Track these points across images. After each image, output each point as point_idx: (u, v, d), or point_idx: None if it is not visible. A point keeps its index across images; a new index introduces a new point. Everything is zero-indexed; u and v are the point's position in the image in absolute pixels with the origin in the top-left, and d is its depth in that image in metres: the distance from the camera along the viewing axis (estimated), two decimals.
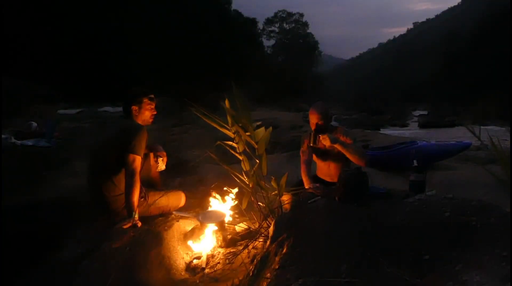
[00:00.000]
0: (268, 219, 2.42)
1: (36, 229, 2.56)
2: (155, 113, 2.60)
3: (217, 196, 2.81)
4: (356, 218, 1.76)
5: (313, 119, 2.69)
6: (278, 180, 2.33)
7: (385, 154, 5.83)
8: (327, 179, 2.86)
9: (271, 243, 1.81)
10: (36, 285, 2.05)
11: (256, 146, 2.35)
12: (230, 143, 2.49)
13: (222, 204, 2.79)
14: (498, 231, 1.40)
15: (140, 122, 2.53)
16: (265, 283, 1.46)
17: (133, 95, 2.53)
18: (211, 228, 2.49)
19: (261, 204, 2.52)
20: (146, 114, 2.55)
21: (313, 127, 2.68)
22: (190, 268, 2.34)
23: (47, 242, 2.37)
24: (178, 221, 2.64)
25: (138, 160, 2.33)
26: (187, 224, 2.67)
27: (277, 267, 1.49)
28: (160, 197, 2.58)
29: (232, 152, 2.52)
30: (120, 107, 2.61)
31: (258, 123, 2.41)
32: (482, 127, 1.65)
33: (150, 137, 2.53)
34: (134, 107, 2.50)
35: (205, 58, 30.39)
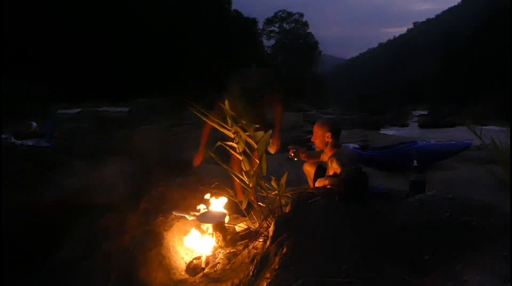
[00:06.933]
0: (268, 219, 2.42)
1: (36, 229, 2.56)
2: None
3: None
4: (356, 218, 1.76)
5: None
6: (278, 180, 2.33)
7: (385, 154, 5.83)
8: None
9: (271, 243, 1.81)
10: (37, 284, 2.05)
11: (256, 146, 2.35)
12: (230, 143, 2.49)
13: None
14: (498, 231, 1.39)
15: None
16: (265, 283, 1.46)
17: None
18: (210, 229, 2.49)
19: (261, 204, 2.51)
20: None
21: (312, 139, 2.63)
22: (190, 268, 2.34)
23: (47, 242, 2.37)
24: (178, 221, 2.64)
25: None
26: (187, 224, 2.67)
27: (277, 267, 1.49)
28: None
29: (232, 152, 2.52)
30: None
31: (257, 126, 2.40)
32: (481, 127, 1.64)
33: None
34: None
35: (205, 58, 30.36)
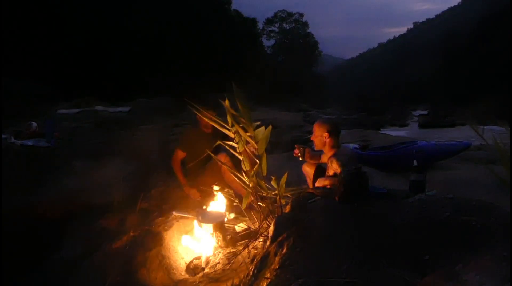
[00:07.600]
0: (268, 219, 2.41)
1: (36, 229, 2.56)
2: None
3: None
4: (356, 218, 1.76)
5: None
6: (278, 180, 2.32)
7: (385, 154, 5.83)
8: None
9: (271, 243, 1.81)
10: (37, 284, 2.05)
11: (256, 146, 2.35)
12: (230, 143, 2.49)
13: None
14: (498, 231, 1.39)
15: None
16: (265, 283, 1.45)
17: None
18: (210, 229, 2.49)
19: (261, 204, 2.51)
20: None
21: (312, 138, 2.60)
22: (190, 268, 2.34)
23: (47, 242, 2.37)
24: (178, 221, 2.64)
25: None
26: (187, 224, 2.67)
27: (277, 267, 1.49)
28: None
29: (232, 152, 2.52)
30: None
31: (258, 123, 2.40)
32: (482, 127, 1.64)
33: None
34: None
35: (204, 58, 30.36)
